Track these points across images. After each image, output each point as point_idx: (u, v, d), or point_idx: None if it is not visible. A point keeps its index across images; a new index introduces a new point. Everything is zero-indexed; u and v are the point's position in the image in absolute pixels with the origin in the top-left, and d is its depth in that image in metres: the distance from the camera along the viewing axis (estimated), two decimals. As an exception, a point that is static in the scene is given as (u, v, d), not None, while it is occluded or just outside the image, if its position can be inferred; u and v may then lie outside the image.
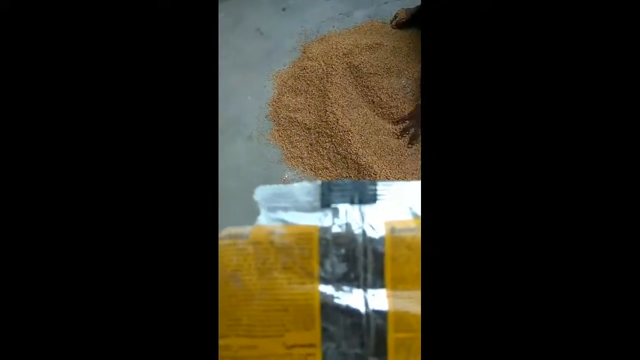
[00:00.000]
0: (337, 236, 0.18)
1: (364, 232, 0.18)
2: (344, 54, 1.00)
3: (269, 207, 0.19)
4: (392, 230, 0.18)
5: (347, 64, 0.98)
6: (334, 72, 0.97)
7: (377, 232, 0.18)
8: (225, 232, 0.19)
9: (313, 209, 0.19)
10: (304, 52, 1.02)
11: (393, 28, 1.02)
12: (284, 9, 0.99)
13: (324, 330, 0.18)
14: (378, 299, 0.18)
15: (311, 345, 0.18)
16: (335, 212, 0.19)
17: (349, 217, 0.19)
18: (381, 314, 0.18)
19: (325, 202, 0.19)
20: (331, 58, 1.00)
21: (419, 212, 0.19)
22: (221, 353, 0.18)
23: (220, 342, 0.18)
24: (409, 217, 0.19)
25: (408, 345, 0.18)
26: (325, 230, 0.18)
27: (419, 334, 0.17)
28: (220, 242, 0.18)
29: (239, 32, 1.01)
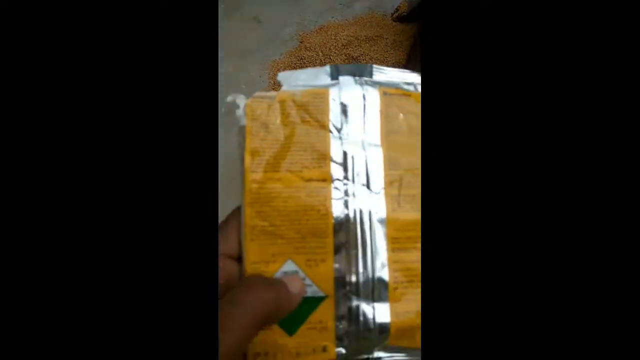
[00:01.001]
0: (341, 97, 0.27)
1: (363, 96, 0.28)
2: (342, 45, 1.08)
3: (290, 84, 0.28)
4: (385, 93, 0.27)
5: (345, 55, 1.07)
6: (331, 64, 1.05)
7: (372, 96, 0.28)
8: (255, 94, 0.28)
9: (325, 81, 0.28)
10: (301, 42, 1.11)
11: (394, 21, 1.11)
12: (282, -3, 1.09)
13: (333, 167, 0.26)
14: (372, 146, 0.27)
15: (324, 180, 0.26)
16: (341, 83, 0.28)
17: (351, 86, 0.28)
18: (376, 157, 0.27)
19: (334, 76, 0.28)
20: (329, 49, 1.09)
21: (407, 87, 0.28)
22: (249, 185, 0.26)
23: (250, 176, 0.26)
24: (398, 88, 0.28)
25: (399, 180, 0.26)
26: (333, 93, 0.27)
27: (407, 172, 0.26)
28: (252, 99, 0.27)
29: (236, 19, 1.10)
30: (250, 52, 1.08)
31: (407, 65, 0.99)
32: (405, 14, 1.08)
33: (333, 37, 1.09)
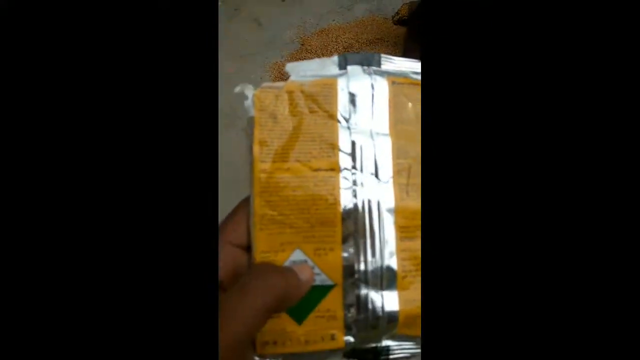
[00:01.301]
0: (350, 87, 0.28)
1: (372, 86, 0.28)
2: (343, 47, 1.10)
3: (298, 75, 0.29)
4: (393, 83, 0.28)
5: (346, 58, 1.07)
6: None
7: (381, 85, 0.28)
8: (263, 85, 0.28)
9: (333, 71, 0.29)
10: (302, 45, 1.12)
11: (394, 24, 1.12)
12: (283, 0, 1.10)
13: (341, 157, 0.27)
14: (381, 135, 0.28)
15: (332, 170, 0.27)
16: (350, 73, 0.28)
17: (359, 76, 0.28)
18: (384, 146, 0.27)
19: (342, 65, 0.28)
20: (330, 51, 1.10)
21: (415, 77, 0.29)
22: (258, 175, 0.27)
23: (260, 166, 0.27)
24: (407, 77, 0.29)
25: (407, 169, 0.27)
26: (342, 83, 0.28)
27: (415, 160, 0.27)
28: (260, 90, 0.28)
29: (237, 22, 1.12)
30: (251, 54, 1.10)
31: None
32: (405, 17, 1.10)
33: (334, 40, 1.10)
